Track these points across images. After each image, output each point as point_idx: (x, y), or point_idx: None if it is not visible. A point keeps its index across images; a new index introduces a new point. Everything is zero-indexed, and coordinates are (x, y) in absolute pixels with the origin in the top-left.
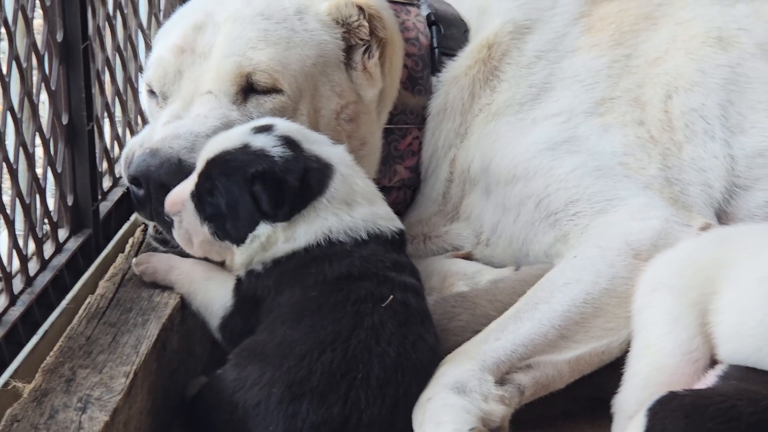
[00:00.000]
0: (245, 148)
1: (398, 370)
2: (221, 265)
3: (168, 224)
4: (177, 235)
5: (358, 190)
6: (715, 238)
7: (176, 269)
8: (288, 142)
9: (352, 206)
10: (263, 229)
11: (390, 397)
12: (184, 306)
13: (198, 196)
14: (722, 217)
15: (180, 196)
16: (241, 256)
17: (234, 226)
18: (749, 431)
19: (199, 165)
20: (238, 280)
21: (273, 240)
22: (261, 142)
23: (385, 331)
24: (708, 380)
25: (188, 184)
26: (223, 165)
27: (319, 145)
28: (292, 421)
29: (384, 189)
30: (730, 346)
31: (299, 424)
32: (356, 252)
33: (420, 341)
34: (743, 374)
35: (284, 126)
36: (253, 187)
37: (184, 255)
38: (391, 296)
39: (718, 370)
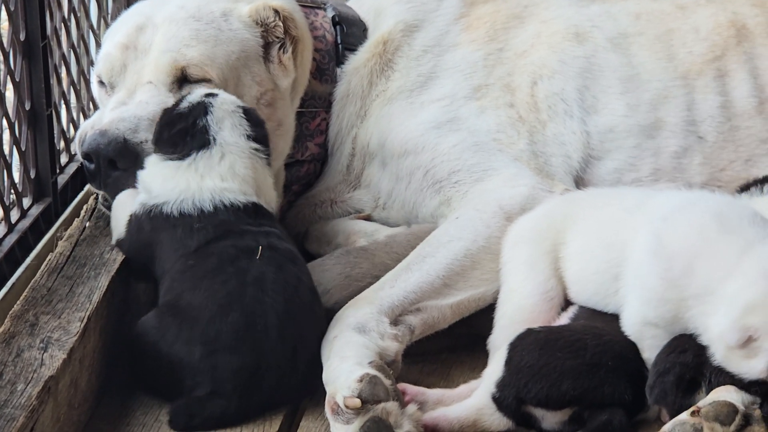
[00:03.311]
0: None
1: (290, 316)
2: None
3: (115, 192)
4: None
5: (221, 170)
6: (566, 199)
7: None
8: (196, 109)
9: (204, 178)
10: (152, 155)
11: (288, 341)
12: (129, 261)
13: None
14: (580, 183)
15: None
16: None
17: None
18: (593, 359)
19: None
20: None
21: (149, 161)
22: (191, 97)
23: (267, 280)
24: (561, 321)
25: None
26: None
27: (224, 126)
28: (215, 371)
29: (297, 162)
30: (576, 288)
31: (221, 373)
32: (209, 219)
33: (300, 283)
34: (590, 315)
35: (220, 100)
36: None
37: None
38: (260, 247)
39: (570, 312)
